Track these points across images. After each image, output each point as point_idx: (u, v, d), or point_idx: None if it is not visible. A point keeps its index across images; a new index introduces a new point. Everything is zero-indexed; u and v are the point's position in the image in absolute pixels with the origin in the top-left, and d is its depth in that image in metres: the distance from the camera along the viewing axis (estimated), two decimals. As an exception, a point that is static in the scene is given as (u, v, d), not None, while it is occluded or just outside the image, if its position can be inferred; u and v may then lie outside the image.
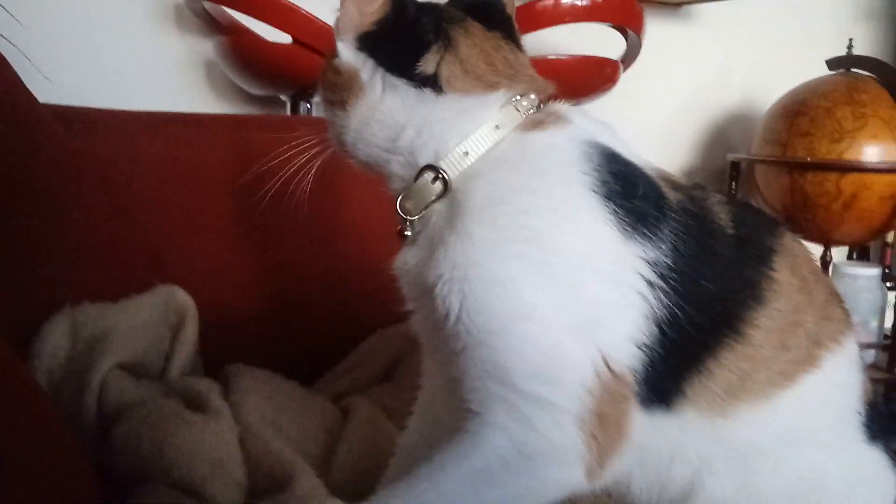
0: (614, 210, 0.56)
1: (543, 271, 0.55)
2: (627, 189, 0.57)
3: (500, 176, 0.58)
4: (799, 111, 2.50)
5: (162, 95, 1.99)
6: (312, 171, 0.68)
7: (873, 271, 2.54)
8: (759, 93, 2.93)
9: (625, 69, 2.35)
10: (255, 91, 1.99)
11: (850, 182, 2.40)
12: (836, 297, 0.66)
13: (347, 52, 0.63)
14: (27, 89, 0.98)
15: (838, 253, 2.96)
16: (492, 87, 0.61)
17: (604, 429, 0.55)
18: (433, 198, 0.60)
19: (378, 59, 0.62)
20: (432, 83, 0.61)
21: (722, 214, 0.62)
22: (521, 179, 0.57)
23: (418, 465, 0.54)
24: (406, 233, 0.62)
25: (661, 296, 0.57)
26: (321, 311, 1.08)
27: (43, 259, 0.78)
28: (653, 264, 0.57)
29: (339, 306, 1.09)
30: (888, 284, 2.61)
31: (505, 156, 0.59)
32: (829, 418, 0.63)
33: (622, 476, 0.61)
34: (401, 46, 0.61)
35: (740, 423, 0.59)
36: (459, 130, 0.60)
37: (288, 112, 2.00)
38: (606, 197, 0.56)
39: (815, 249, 2.80)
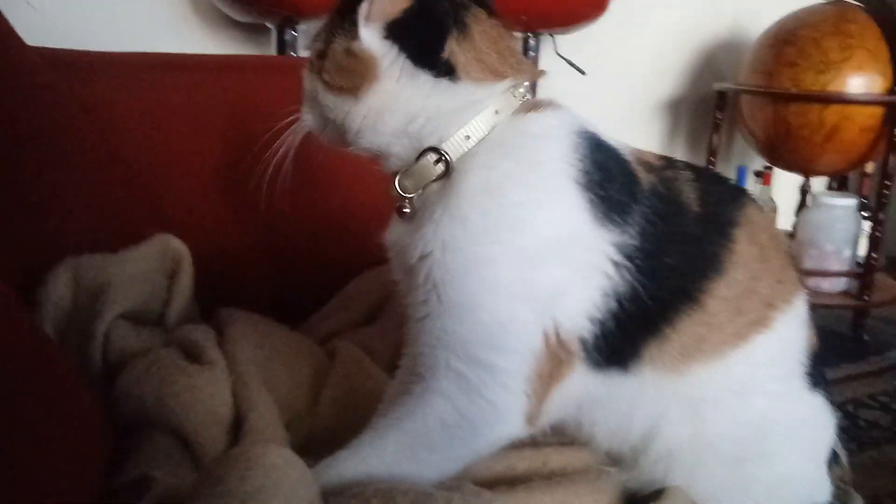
0: (591, 199, 0.62)
1: (521, 255, 0.61)
2: (605, 179, 0.63)
3: (497, 162, 0.62)
4: (787, 40, 2.50)
5: (147, 21, 1.97)
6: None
7: (849, 202, 2.59)
8: (750, 19, 2.90)
9: (614, -5, 2.33)
10: (241, 18, 1.97)
11: (832, 113, 2.43)
12: (790, 260, 0.72)
13: (373, 39, 0.63)
14: (17, 34, 0.98)
15: (818, 183, 3.02)
16: (500, 76, 0.65)
17: (540, 384, 0.62)
18: (433, 178, 0.64)
19: (404, 47, 0.63)
20: (449, 72, 0.63)
21: (690, 193, 0.68)
22: (517, 169, 0.62)
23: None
24: (405, 209, 0.65)
25: (626, 273, 0.63)
26: (309, 254, 1.13)
27: (43, 208, 0.82)
28: (620, 247, 0.63)
29: (326, 248, 1.14)
30: (864, 214, 2.67)
31: (501, 140, 0.63)
32: (777, 371, 0.70)
33: (584, 427, 0.69)
34: (424, 35, 0.63)
35: (694, 378, 0.66)
36: (466, 116, 0.64)
37: (273, 39, 1.99)
38: (586, 187, 0.62)
39: (796, 179, 2.86)
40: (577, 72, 2.35)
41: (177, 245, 0.85)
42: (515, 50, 0.68)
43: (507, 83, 0.65)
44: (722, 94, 2.73)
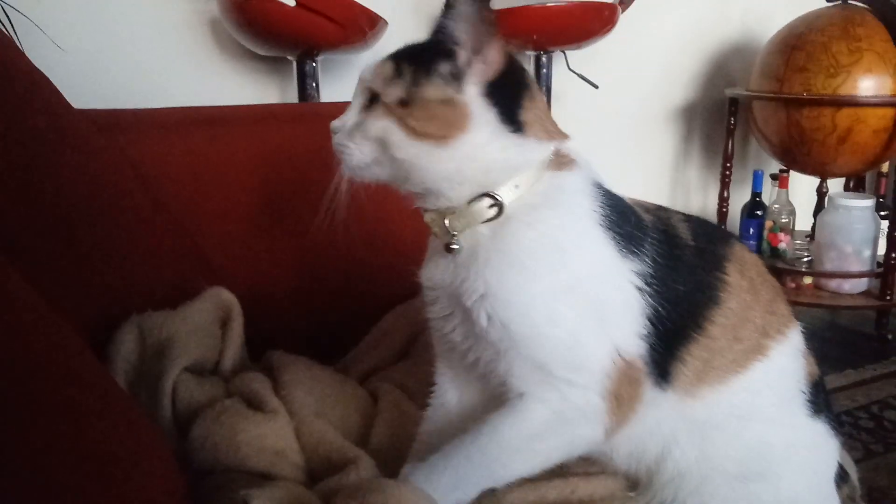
0: (613, 237, 0.70)
1: (569, 290, 0.69)
2: (620, 219, 0.71)
3: (542, 212, 0.71)
4: (796, 45, 2.54)
5: (169, 55, 2.06)
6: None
7: (866, 202, 2.62)
8: (759, 25, 2.94)
9: (623, 10, 2.38)
10: (260, 51, 2.06)
11: (844, 116, 2.46)
12: (780, 295, 0.79)
13: (473, 94, 0.69)
14: (65, 99, 1.07)
15: (835, 184, 3.04)
16: (552, 137, 0.73)
17: (619, 403, 0.71)
18: (484, 220, 0.71)
19: (495, 103, 0.69)
20: (520, 129, 0.71)
21: (683, 230, 0.76)
22: (557, 217, 0.71)
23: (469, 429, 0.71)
24: (454, 247, 0.72)
25: (648, 298, 0.71)
26: (340, 291, 1.21)
27: (106, 267, 0.90)
28: (640, 274, 0.71)
29: (355, 285, 1.21)
30: (881, 213, 2.69)
31: (543, 192, 0.71)
32: (774, 398, 0.76)
33: (614, 446, 0.76)
34: (510, 94, 0.70)
35: (701, 402, 0.73)
36: (522, 168, 0.71)
37: (294, 71, 2.07)
38: (608, 227, 0.70)
39: (812, 182, 2.89)
40: (591, 86, 2.40)
41: (227, 296, 0.93)
42: (551, 116, 0.76)
43: (554, 143, 0.73)
44: (734, 100, 2.77)
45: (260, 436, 0.74)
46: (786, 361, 0.77)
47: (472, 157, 0.69)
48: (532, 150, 0.72)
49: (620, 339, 0.71)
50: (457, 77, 0.68)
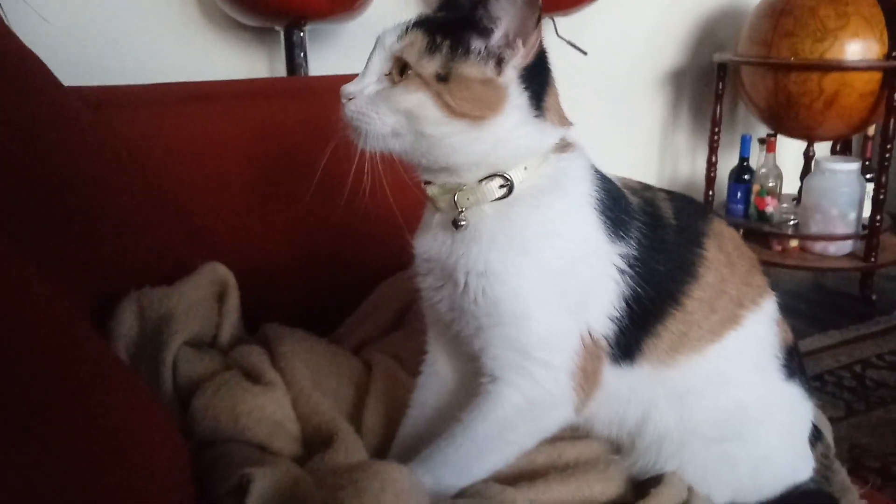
0: (604, 221, 0.73)
1: (560, 273, 0.72)
2: (612, 203, 0.74)
3: (546, 197, 0.73)
4: (784, 10, 2.55)
5: (156, 25, 2.05)
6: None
7: (852, 166, 2.65)
8: (747, -12, 2.93)
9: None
10: (247, 21, 2.05)
11: (831, 81, 2.49)
12: (756, 267, 0.82)
13: (512, 77, 0.70)
14: (55, 78, 1.07)
15: (822, 147, 3.07)
16: (564, 124, 0.75)
17: (586, 379, 0.74)
18: (492, 199, 0.73)
19: (528, 87, 0.71)
20: (542, 114, 0.73)
21: (666, 209, 0.78)
22: (562, 204, 0.73)
23: (449, 426, 0.74)
24: (461, 223, 0.73)
25: (629, 280, 0.74)
26: (333, 263, 1.23)
27: (104, 246, 0.92)
28: (625, 257, 0.74)
29: (347, 257, 1.24)
30: (867, 177, 2.73)
31: (551, 176, 0.74)
32: (749, 363, 0.80)
33: (592, 415, 0.79)
34: (538, 80, 0.72)
35: (679, 370, 0.77)
36: (536, 152, 0.73)
37: (282, 41, 2.07)
38: (601, 212, 0.73)
39: (799, 146, 2.91)
40: (579, 52, 2.40)
41: (223, 271, 0.96)
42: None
43: (564, 129, 0.75)
44: (722, 65, 2.78)
45: (258, 407, 0.77)
46: (760, 329, 0.80)
47: (501, 139, 0.70)
48: (549, 136, 0.74)
49: (593, 320, 0.74)
50: (492, 56, 0.69)
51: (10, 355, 0.53)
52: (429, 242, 0.77)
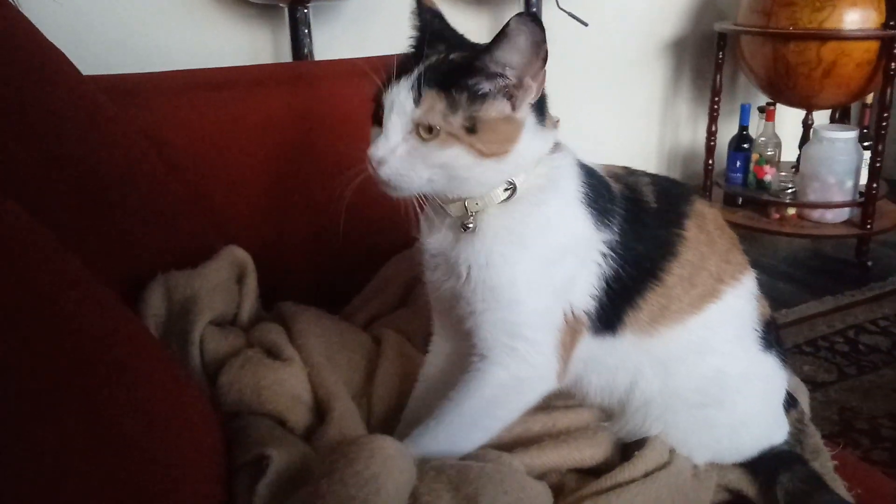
0: (591, 212, 0.80)
1: (552, 263, 0.79)
2: (597, 195, 0.81)
3: (544, 195, 0.80)
4: (783, -21, 2.56)
5: (159, 3, 2.08)
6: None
7: (850, 134, 2.69)
8: (748, -43, 2.93)
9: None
10: (253, -1, 2.08)
11: (829, 50, 2.51)
12: (736, 246, 0.89)
13: (525, 110, 0.75)
14: (74, 67, 1.13)
15: (821, 116, 3.10)
16: (553, 125, 0.81)
17: (564, 350, 0.81)
18: (497, 202, 0.79)
19: (535, 108, 0.77)
20: (543, 122, 0.79)
21: (648, 193, 0.85)
22: (558, 200, 0.80)
23: (439, 404, 0.80)
24: (469, 225, 0.79)
25: (611, 262, 0.81)
26: (345, 242, 1.29)
27: (127, 234, 0.98)
28: (608, 243, 0.81)
29: (359, 236, 1.30)
30: (864, 144, 2.76)
31: (546, 175, 0.80)
32: (729, 334, 0.87)
33: (583, 384, 0.87)
34: (541, 99, 0.78)
35: (662, 340, 0.84)
36: (540, 157, 0.80)
37: (287, 18, 2.11)
38: (588, 205, 0.80)
39: (798, 114, 2.94)
40: (580, 24, 2.43)
41: (241, 254, 1.03)
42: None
43: (556, 131, 0.82)
44: (723, 35, 2.80)
45: (279, 381, 0.84)
46: (739, 303, 0.86)
47: (520, 160, 0.77)
48: (548, 140, 0.81)
49: (576, 299, 0.81)
50: (505, 94, 0.73)
51: (63, 337, 0.59)
52: (438, 241, 0.83)
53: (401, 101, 0.72)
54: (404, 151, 0.73)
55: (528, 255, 0.78)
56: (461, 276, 0.80)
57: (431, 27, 0.78)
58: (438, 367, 0.92)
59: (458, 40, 0.81)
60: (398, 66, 0.74)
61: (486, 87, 0.72)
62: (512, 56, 0.71)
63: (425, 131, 0.72)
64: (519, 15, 0.68)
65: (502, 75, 0.72)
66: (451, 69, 0.73)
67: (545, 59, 0.72)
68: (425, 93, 0.71)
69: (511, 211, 0.79)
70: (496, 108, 0.73)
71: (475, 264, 0.79)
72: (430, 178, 0.74)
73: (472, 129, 0.72)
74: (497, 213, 0.79)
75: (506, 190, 0.79)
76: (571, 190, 0.80)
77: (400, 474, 0.67)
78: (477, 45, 0.80)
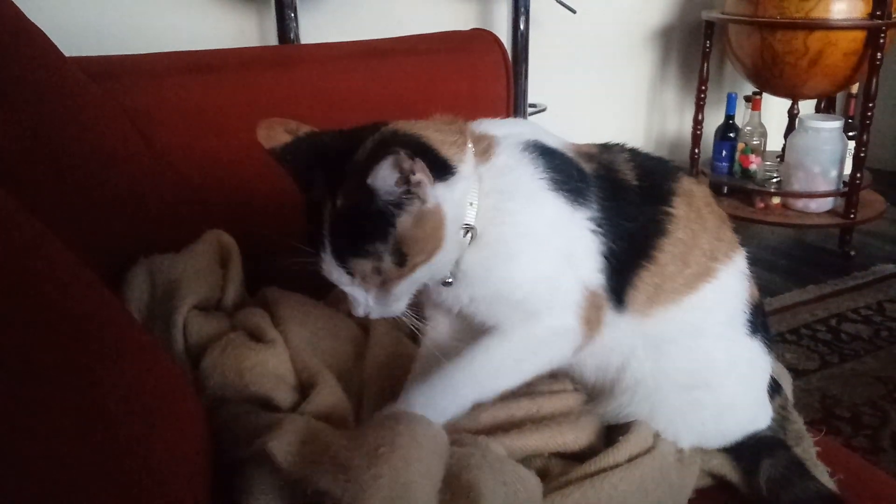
0: (562, 194, 0.79)
1: (539, 246, 0.80)
2: (564, 176, 0.80)
3: (503, 208, 0.79)
4: (771, -33, 2.56)
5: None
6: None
7: (834, 124, 2.70)
8: (736, -55, 2.93)
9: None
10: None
11: (816, 39, 2.52)
12: (726, 223, 0.89)
13: (431, 191, 0.73)
14: (57, 49, 1.11)
15: (807, 105, 3.11)
16: (463, 143, 0.78)
17: (589, 325, 0.82)
18: (465, 249, 0.79)
19: (436, 176, 0.73)
20: (450, 169, 0.76)
21: (627, 171, 0.84)
22: (515, 205, 0.79)
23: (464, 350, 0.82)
24: (448, 280, 0.80)
25: (601, 238, 0.80)
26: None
27: (106, 213, 0.97)
28: (591, 219, 0.80)
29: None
30: (849, 134, 2.78)
31: (492, 188, 0.79)
32: (723, 315, 0.87)
33: (582, 364, 0.87)
34: (439, 164, 0.75)
35: (656, 320, 0.84)
36: (469, 191, 0.78)
37: (272, 2, 2.08)
38: (556, 189, 0.79)
39: (784, 104, 2.95)
40: (569, 11, 2.42)
41: (226, 239, 1.02)
42: (444, 122, 0.82)
43: (469, 146, 0.78)
44: (710, 23, 2.80)
45: (261, 362, 0.84)
46: (733, 282, 0.87)
47: (459, 218, 0.77)
48: (467, 170, 0.77)
49: (585, 276, 0.81)
50: (409, 200, 0.72)
51: (46, 318, 0.58)
52: (425, 295, 0.85)
53: (339, 278, 0.77)
54: (374, 301, 0.78)
55: (516, 259, 0.79)
56: (454, 309, 0.83)
57: (297, 164, 0.81)
58: (442, 334, 0.91)
59: (324, 151, 0.79)
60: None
61: (388, 212, 0.72)
62: (381, 183, 0.69)
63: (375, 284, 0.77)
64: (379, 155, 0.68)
65: (390, 198, 0.71)
66: (351, 229, 0.74)
67: (410, 157, 0.69)
68: (350, 264, 0.75)
69: (482, 245, 0.79)
70: (410, 215, 0.72)
71: (466, 300, 0.81)
72: (409, 295, 0.80)
73: (402, 254, 0.73)
74: (470, 253, 0.79)
75: (466, 234, 0.78)
76: (527, 182, 0.79)
77: (427, 442, 0.70)
78: (342, 135, 0.80)
